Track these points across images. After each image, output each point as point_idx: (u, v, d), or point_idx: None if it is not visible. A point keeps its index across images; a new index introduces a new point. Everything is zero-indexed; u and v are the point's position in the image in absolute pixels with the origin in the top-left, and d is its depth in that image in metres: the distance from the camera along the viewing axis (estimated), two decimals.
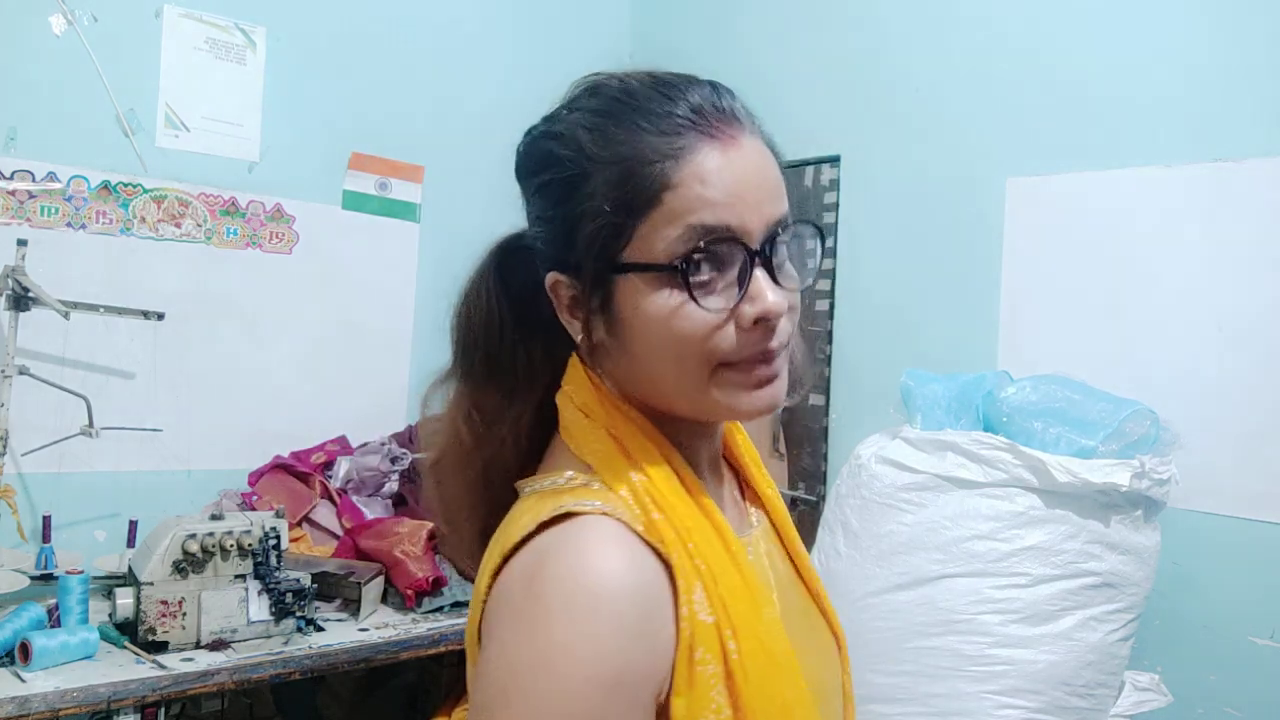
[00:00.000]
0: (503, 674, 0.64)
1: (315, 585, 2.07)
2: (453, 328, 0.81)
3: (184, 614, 1.92)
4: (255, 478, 2.56)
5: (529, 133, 0.77)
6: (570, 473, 0.72)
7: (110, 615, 1.93)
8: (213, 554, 1.95)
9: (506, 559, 0.68)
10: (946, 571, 1.88)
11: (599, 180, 0.69)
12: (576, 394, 0.76)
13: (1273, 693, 1.92)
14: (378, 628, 2.11)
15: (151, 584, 1.90)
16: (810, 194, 2.79)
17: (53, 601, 1.93)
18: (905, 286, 2.54)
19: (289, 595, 2.00)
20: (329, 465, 2.64)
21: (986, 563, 1.85)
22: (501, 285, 0.80)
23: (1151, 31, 2.12)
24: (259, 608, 1.99)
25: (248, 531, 1.99)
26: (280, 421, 2.69)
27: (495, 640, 0.66)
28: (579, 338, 0.74)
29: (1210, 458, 1.97)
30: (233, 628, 1.96)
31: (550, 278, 0.74)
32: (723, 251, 0.68)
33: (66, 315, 2.21)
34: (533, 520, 0.68)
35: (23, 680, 1.72)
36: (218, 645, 1.93)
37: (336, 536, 2.46)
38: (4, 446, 2.15)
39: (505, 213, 0.82)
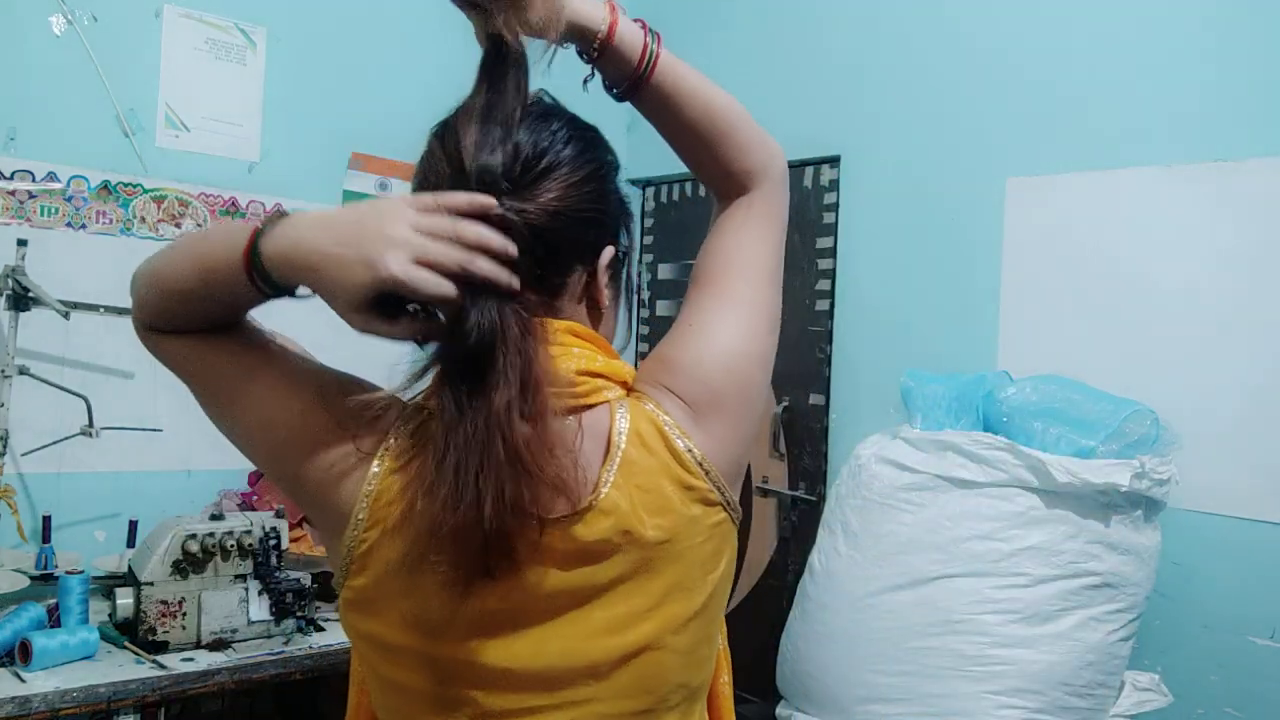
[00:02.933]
0: None
1: (315, 585, 2.07)
2: None
3: (184, 614, 1.92)
4: (255, 478, 2.56)
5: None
6: None
7: (110, 615, 1.93)
8: (213, 554, 1.95)
9: None
10: (946, 571, 1.88)
11: None
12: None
13: (1273, 693, 1.93)
14: None
15: (151, 584, 1.90)
16: (810, 194, 2.79)
17: (53, 601, 1.93)
18: (905, 286, 2.54)
19: (289, 595, 2.00)
20: None
21: (986, 563, 1.85)
22: None
23: (1152, 32, 2.12)
24: (259, 608, 1.99)
25: (248, 531, 1.99)
26: None
27: None
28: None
29: (1210, 458, 1.97)
30: (233, 628, 1.97)
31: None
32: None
33: (66, 315, 2.21)
34: None
35: (23, 680, 1.72)
36: (218, 645, 1.93)
37: None
38: (4, 446, 2.15)
39: None
